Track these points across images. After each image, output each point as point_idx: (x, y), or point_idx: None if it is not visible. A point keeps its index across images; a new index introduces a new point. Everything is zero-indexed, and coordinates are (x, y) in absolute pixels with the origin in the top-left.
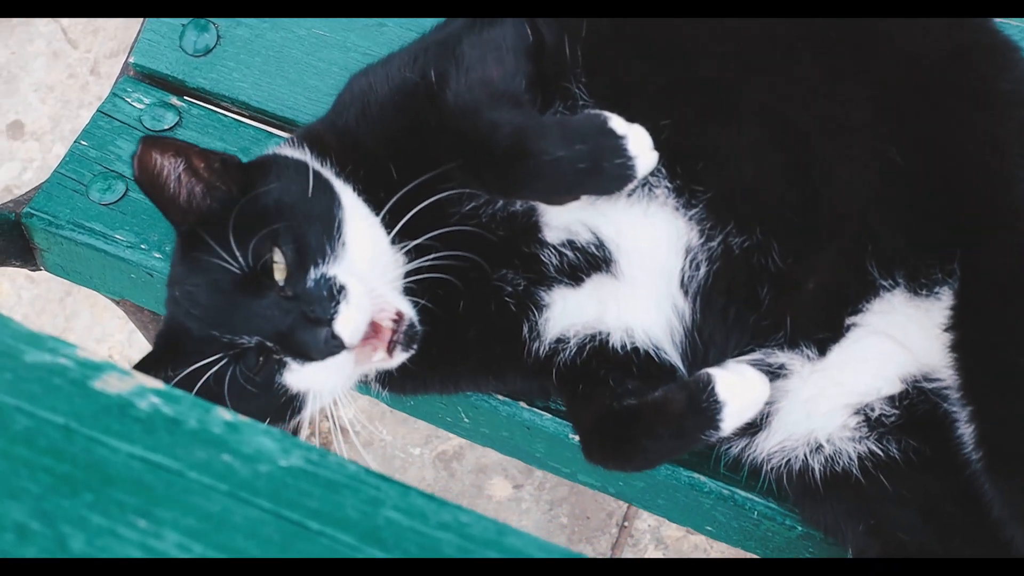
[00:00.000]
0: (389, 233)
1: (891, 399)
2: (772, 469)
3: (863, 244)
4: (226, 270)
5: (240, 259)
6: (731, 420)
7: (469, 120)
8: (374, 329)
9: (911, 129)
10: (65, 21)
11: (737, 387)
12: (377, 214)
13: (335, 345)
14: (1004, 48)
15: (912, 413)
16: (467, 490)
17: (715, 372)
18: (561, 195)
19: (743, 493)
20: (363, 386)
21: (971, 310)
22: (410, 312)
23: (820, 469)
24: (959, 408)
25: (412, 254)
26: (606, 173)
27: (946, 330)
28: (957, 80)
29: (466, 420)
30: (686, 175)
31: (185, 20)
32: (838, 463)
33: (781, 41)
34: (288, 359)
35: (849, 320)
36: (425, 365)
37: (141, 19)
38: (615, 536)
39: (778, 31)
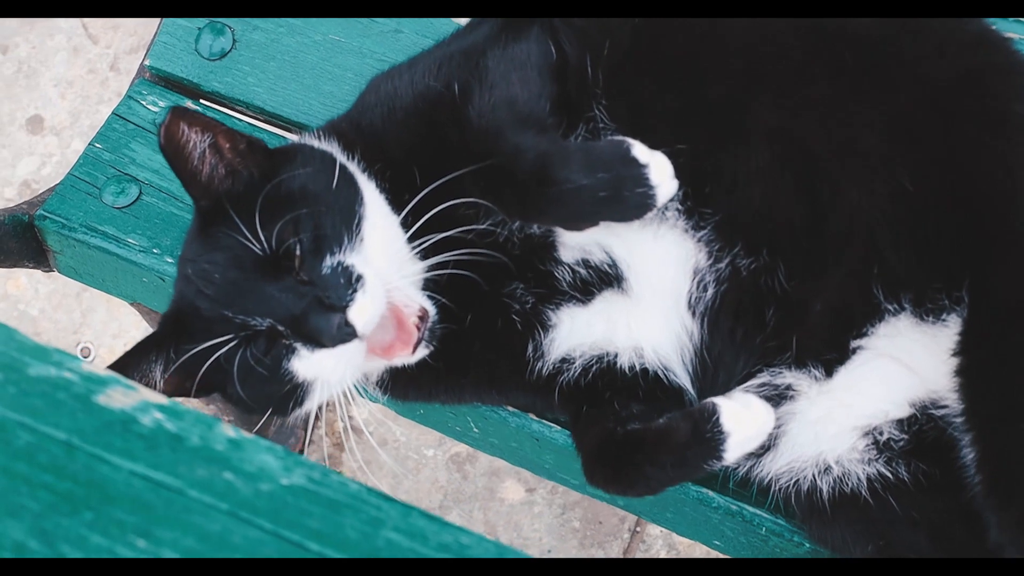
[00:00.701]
0: (408, 234)
1: (900, 423)
2: (780, 489)
3: (869, 267)
4: (247, 250)
5: (263, 241)
6: (734, 451)
7: (492, 142)
8: (399, 324)
9: (922, 152)
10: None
11: (742, 418)
12: (399, 215)
13: (347, 332)
14: (1020, 69)
15: (921, 439)
16: (480, 492)
17: (720, 402)
18: (581, 222)
19: (751, 509)
20: (364, 389)
21: (977, 336)
22: (432, 309)
23: (828, 490)
24: (962, 433)
25: (428, 258)
26: (627, 202)
27: (953, 355)
28: (971, 102)
29: (475, 430)
30: (696, 197)
31: (201, 23)
32: (847, 484)
33: (793, 63)
34: (298, 344)
35: (854, 343)
36: (429, 375)
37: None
38: (627, 541)
39: (791, 53)
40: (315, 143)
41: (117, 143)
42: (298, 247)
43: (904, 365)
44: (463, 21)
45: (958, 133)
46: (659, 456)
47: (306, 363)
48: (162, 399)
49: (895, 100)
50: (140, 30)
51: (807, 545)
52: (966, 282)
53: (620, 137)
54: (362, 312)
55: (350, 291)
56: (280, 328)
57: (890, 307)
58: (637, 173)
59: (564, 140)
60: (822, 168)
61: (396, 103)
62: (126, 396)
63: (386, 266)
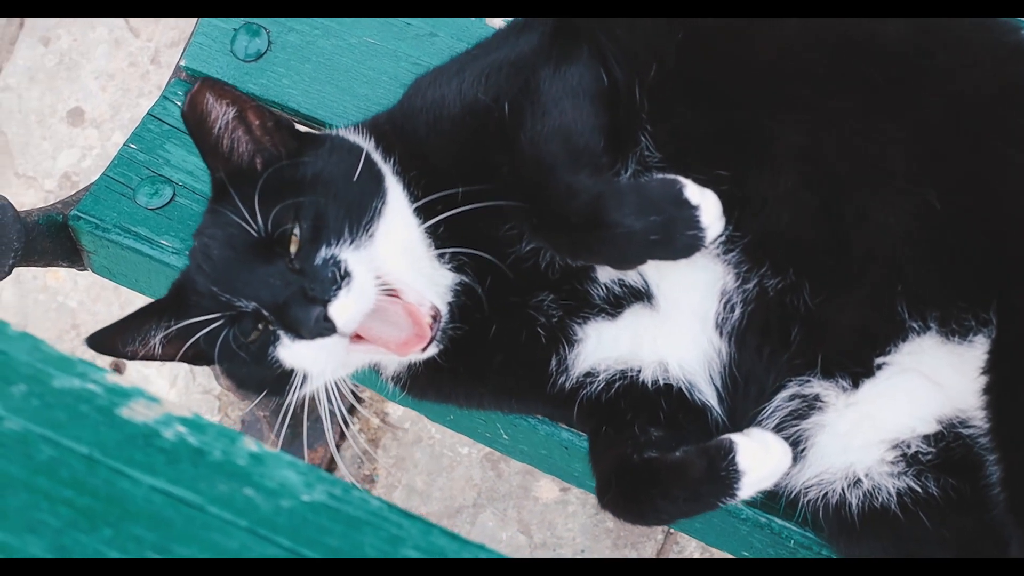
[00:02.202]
0: (439, 245)
1: (927, 438)
2: (808, 502)
3: (893, 285)
4: (243, 230)
5: (260, 222)
6: (748, 489)
7: (545, 179)
8: (413, 321)
9: (951, 170)
10: None
11: (759, 457)
12: (428, 222)
13: (325, 327)
14: None
15: (949, 455)
16: (514, 491)
17: (738, 440)
18: (629, 263)
19: (780, 521)
20: (379, 382)
21: (1004, 355)
22: (445, 309)
23: (857, 504)
24: (988, 452)
25: (460, 271)
26: (677, 244)
27: (980, 374)
28: (1004, 118)
29: (505, 437)
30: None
31: (237, 25)
32: (876, 498)
33: (821, 82)
34: (280, 332)
35: (879, 359)
36: (449, 380)
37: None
38: (660, 542)
39: (818, 72)
40: (351, 137)
41: (152, 144)
42: (295, 233)
43: (931, 381)
44: (496, 23)
45: (990, 152)
46: (672, 490)
47: (288, 352)
48: (186, 412)
49: (924, 117)
50: (181, 24)
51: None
52: (993, 303)
53: (672, 176)
54: (343, 310)
55: (334, 287)
56: (264, 313)
57: (915, 325)
58: (688, 215)
59: (616, 180)
60: (848, 188)
61: (443, 112)
62: (149, 409)
63: (400, 266)
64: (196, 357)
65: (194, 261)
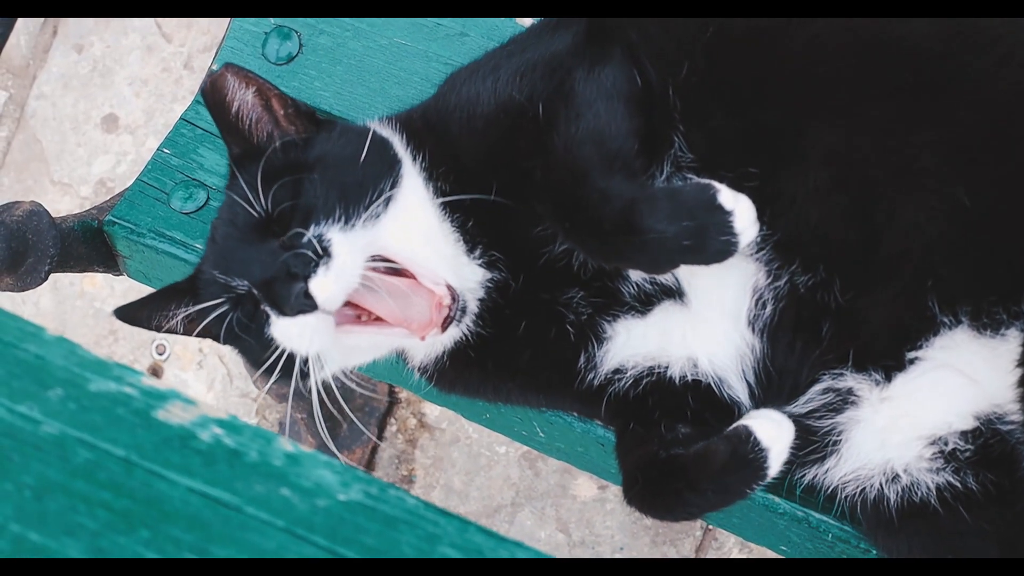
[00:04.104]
0: (467, 240)
1: (964, 434)
2: (846, 497)
3: (923, 282)
4: (246, 210)
5: (262, 201)
6: (775, 465)
7: (578, 183)
8: (431, 302)
9: (982, 169)
10: None
11: (774, 432)
12: (453, 215)
13: (306, 303)
14: None
15: (988, 451)
16: (552, 490)
17: (751, 423)
18: (661, 268)
19: (817, 515)
20: (410, 378)
21: None
22: (474, 301)
23: (896, 499)
24: (1023, 444)
25: (491, 267)
26: (709, 249)
27: (1015, 367)
28: None
29: (541, 435)
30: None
31: (268, 28)
32: (915, 493)
33: (852, 83)
34: (268, 310)
35: (911, 354)
36: (477, 374)
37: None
38: (699, 539)
39: (850, 73)
40: (377, 128)
41: (185, 148)
42: (291, 212)
43: (966, 376)
44: (527, 23)
45: (1018, 146)
46: (700, 482)
47: (276, 330)
48: (221, 414)
49: (955, 117)
50: (213, 28)
51: (874, 552)
52: None
53: (706, 181)
54: (322, 287)
55: (313, 264)
56: (255, 292)
57: (946, 320)
58: (722, 220)
59: (650, 184)
60: (878, 188)
61: (476, 110)
62: (185, 411)
63: (411, 249)
64: (217, 336)
65: (206, 246)
